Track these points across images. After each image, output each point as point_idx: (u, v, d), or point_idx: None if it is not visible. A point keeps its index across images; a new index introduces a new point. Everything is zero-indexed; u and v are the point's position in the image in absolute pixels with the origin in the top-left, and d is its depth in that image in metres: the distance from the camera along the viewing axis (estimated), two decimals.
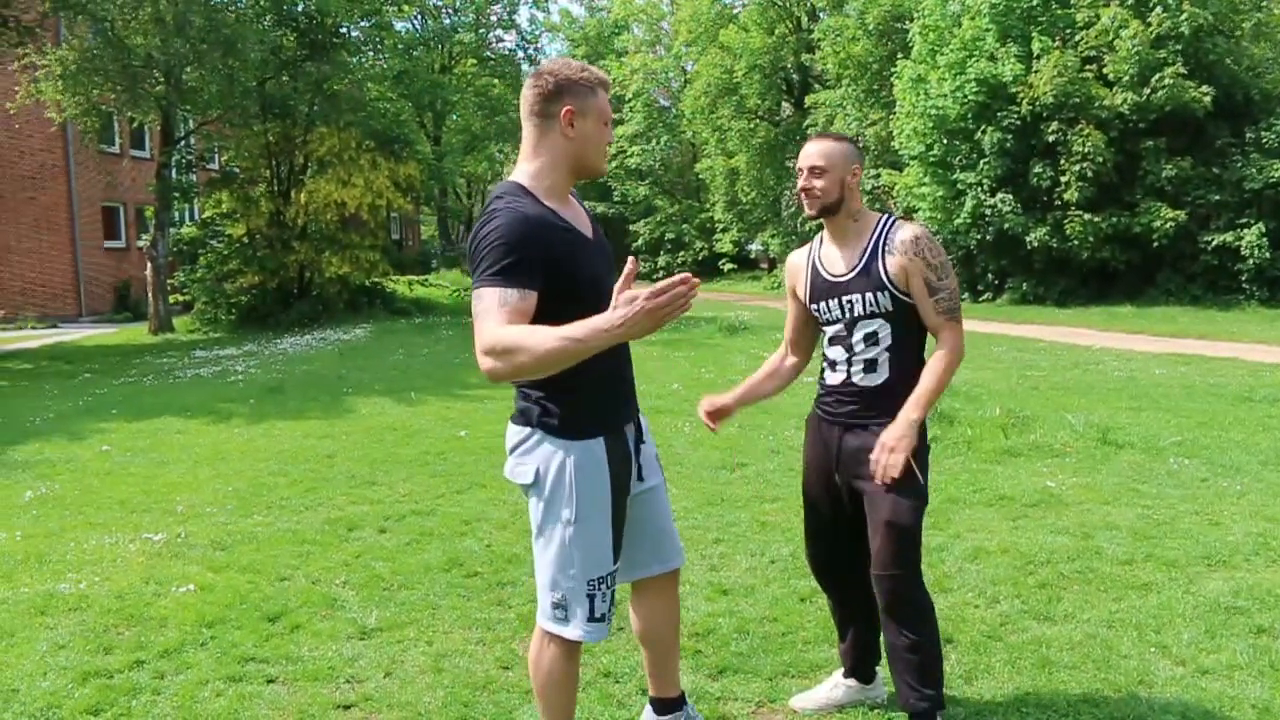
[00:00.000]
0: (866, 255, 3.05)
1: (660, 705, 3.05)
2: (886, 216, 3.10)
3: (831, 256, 3.15)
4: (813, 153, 3.07)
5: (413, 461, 7.24)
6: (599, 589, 2.67)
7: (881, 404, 3.04)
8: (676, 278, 2.18)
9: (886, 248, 3.03)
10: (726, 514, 5.66)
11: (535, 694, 2.83)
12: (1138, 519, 5.39)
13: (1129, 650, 3.70)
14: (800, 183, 3.09)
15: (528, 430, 2.65)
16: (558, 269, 2.49)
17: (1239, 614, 4.02)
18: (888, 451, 2.90)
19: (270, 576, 4.71)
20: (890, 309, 3.03)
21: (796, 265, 3.29)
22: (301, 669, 3.68)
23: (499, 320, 2.37)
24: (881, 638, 3.18)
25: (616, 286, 2.25)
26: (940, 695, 3.03)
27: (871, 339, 3.06)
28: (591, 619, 2.68)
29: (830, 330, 3.16)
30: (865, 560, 3.14)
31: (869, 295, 3.03)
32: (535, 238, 2.47)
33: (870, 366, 3.07)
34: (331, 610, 4.28)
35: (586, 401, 2.62)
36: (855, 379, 3.09)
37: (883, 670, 3.36)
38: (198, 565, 4.91)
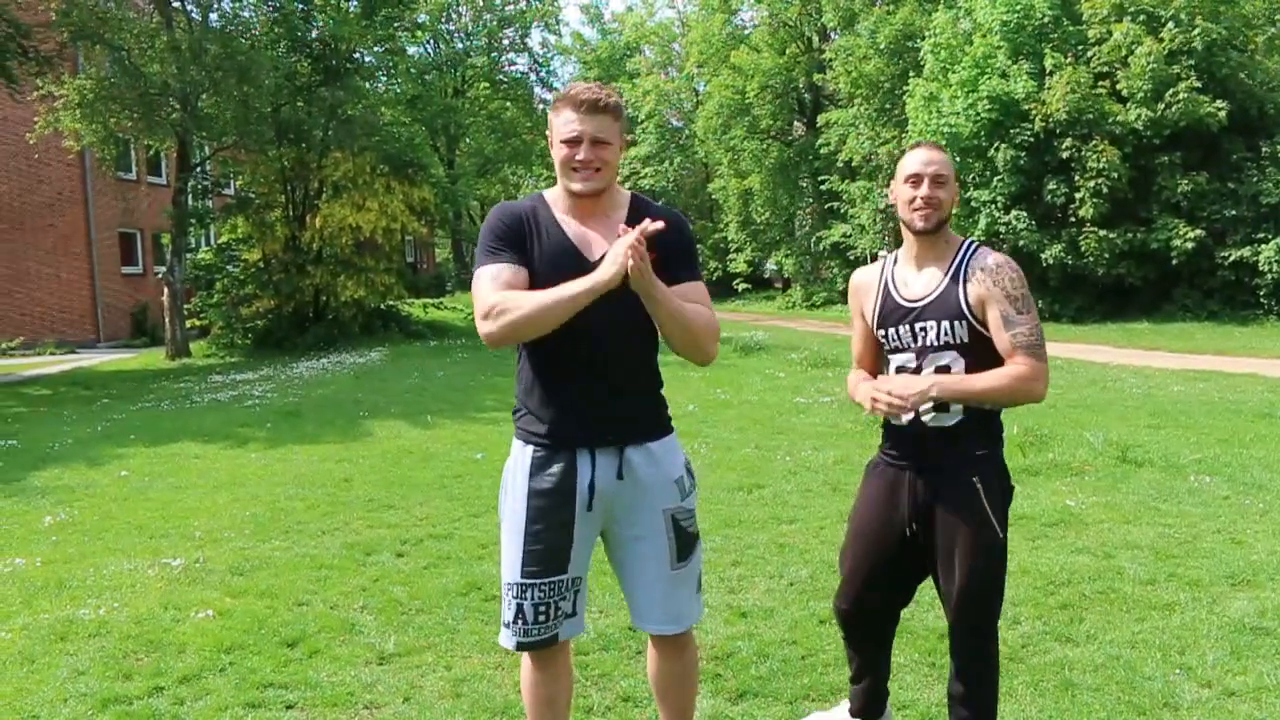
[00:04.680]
0: (947, 280, 2.84)
1: None
2: (970, 241, 2.90)
3: (907, 278, 2.92)
4: (936, 159, 2.82)
5: (429, 485, 7.24)
6: (507, 594, 2.72)
7: (955, 448, 2.84)
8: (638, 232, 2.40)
9: (968, 274, 2.81)
10: (744, 536, 5.64)
11: None
12: (1159, 538, 5.34)
13: (1153, 672, 3.67)
14: (920, 191, 2.80)
15: None
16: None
17: (1265, 635, 3.98)
18: (894, 394, 2.71)
19: (288, 601, 4.71)
20: (966, 341, 2.80)
21: (864, 284, 3.05)
22: (320, 695, 3.68)
23: None
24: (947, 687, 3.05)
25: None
26: None
27: (943, 373, 2.82)
28: (503, 622, 2.75)
29: (897, 359, 2.91)
30: (898, 613, 3.14)
31: (945, 324, 2.81)
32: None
33: (941, 406, 2.82)
34: (349, 635, 4.27)
35: (533, 410, 2.69)
36: (925, 419, 2.85)
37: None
38: (216, 590, 4.91)
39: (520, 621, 2.68)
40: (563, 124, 2.56)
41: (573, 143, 2.55)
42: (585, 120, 2.54)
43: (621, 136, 2.63)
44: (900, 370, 2.91)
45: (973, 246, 2.89)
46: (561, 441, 2.65)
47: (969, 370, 2.80)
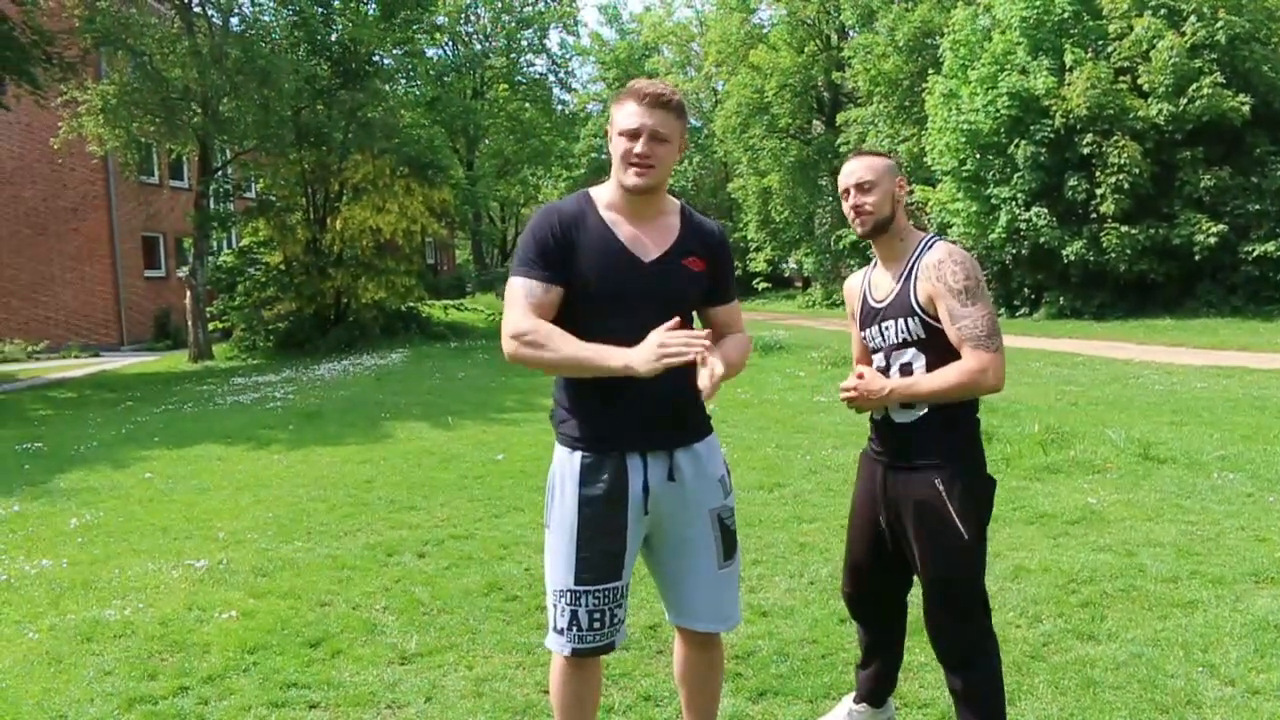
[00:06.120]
0: (902, 279, 2.90)
1: None
2: (928, 237, 2.96)
3: (878, 280, 3.01)
4: (858, 168, 2.91)
5: (451, 486, 7.27)
6: (558, 601, 2.68)
7: (921, 444, 2.86)
8: (699, 332, 2.40)
9: (917, 272, 2.88)
10: (764, 535, 5.64)
11: None
12: (1181, 535, 5.31)
13: (1175, 670, 3.65)
14: (849, 202, 2.92)
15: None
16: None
17: None
18: (864, 393, 2.84)
19: (311, 602, 4.75)
20: (923, 336, 2.86)
21: (852, 289, 3.16)
22: (343, 694, 3.70)
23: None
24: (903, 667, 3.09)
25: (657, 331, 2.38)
26: None
27: (906, 370, 2.88)
28: (554, 629, 2.71)
29: (876, 359, 2.99)
30: (899, 597, 3.16)
31: (900, 322, 2.88)
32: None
33: (905, 403, 2.88)
34: (372, 635, 4.30)
35: (579, 415, 2.65)
36: (892, 414, 2.92)
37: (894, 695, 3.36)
38: (240, 591, 4.95)
39: (575, 628, 2.66)
40: (625, 116, 2.55)
41: (632, 135, 2.52)
42: (648, 114, 2.52)
43: (682, 138, 2.60)
44: (879, 372, 2.99)
45: (928, 243, 2.93)
46: (612, 446, 2.62)
47: (930, 365, 2.85)
